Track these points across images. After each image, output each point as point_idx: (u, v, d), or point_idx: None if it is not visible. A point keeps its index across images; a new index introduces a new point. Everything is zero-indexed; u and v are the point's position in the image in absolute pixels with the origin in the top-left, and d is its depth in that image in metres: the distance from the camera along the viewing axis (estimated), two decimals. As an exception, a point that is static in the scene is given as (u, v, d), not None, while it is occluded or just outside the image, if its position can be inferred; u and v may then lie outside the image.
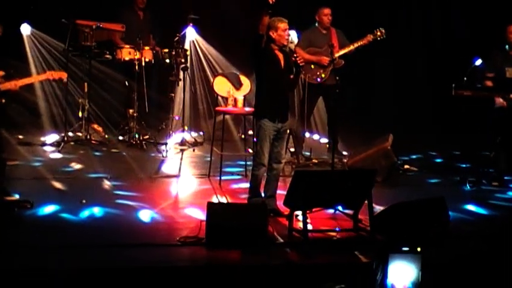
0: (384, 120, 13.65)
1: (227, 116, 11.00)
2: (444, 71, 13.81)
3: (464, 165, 11.42)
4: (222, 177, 10.04)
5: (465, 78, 9.95)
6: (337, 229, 7.96)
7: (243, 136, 11.36)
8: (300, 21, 11.14)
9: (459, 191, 9.98)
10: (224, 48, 13.42)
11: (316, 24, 11.35)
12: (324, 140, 12.55)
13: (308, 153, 11.34)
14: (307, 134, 11.71)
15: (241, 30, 13.52)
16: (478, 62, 10.15)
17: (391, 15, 14.69)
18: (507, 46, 10.30)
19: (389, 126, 11.77)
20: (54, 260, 6.86)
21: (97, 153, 11.54)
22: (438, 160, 12.23)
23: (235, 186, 9.92)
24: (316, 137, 13.00)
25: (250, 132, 10.60)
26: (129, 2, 12.75)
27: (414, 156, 11.99)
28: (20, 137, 12.27)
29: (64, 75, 10.56)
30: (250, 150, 10.08)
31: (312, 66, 11.04)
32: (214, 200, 9.01)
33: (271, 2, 8.18)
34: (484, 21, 13.72)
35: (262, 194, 8.52)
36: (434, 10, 14.96)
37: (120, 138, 12.33)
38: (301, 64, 8.42)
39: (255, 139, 8.56)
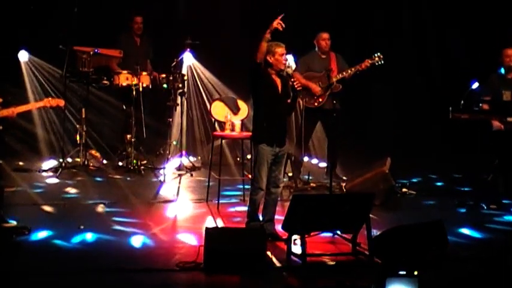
0: (381, 144, 13.66)
1: (225, 141, 11.01)
2: (442, 94, 13.85)
3: (462, 189, 11.40)
4: (220, 202, 10.03)
5: (462, 102, 9.97)
6: (335, 253, 7.94)
7: (240, 160, 11.36)
8: (300, 46, 11.21)
9: (457, 214, 9.97)
10: (221, 73, 13.45)
11: (316, 49, 11.40)
12: (322, 164, 12.56)
13: (306, 177, 11.34)
14: (305, 158, 11.72)
15: (238, 55, 13.57)
16: (475, 85, 10.17)
17: (389, 39, 14.73)
18: (503, 69, 10.34)
19: (387, 150, 11.79)
20: (53, 286, 6.84)
21: (95, 179, 11.53)
22: (436, 183, 12.23)
23: (233, 210, 9.91)
24: (314, 161, 13.01)
25: (248, 156, 10.62)
26: (127, 28, 12.80)
27: (412, 180, 11.98)
28: (19, 163, 12.27)
29: (62, 103, 10.56)
30: (248, 175, 10.08)
31: (310, 91, 11.08)
32: (213, 224, 8.99)
33: (281, 29, 8.23)
34: (481, 44, 13.78)
35: (261, 218, 8.51)
36: (431, 33, 15.00)
37: (118, 163, 12.33)
38: (298, 89, 8.43)
39: (253, 163, 8.57)
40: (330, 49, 11.39)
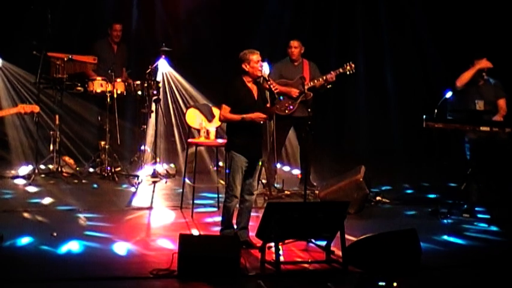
0: (356, 152, 13.71)
1: (200, 148, 11.00)
2: (416, 102, 13.93)
3: (435, 197, 11.45)
4: (195, 209, 10.01)
5: (436, 111, 10.03)
6: (309, 261, 7.96)
7: (215, 168, 11.35)
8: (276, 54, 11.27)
9: (431, 222, 10.00)
10: (196, 80, 13.44)
11: (288, 57, 11.43)
12: (296, 172, 12.57)
13: (280, 185, 11.35)
14: (278, 166, 11.73)
15: (213, 62, 13.60)
16: (449, 94, 10.23)
17: (365, 46, 14.81)
18: (478, 79, 10.39)
19: (362, 158, 11.85)
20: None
21: (68, 186, 11.47)
22: (410, 192, 12.27)
23: (207, 218, 9.90)
24: (287, 168, 13.03)
25: (220, 163, 10.62)
26: (104, 35, 12.77)
27: (386, 188, 12.02)
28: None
29: (36, 109, 10.51)
30: (222, 182, 10.08)
31: (281, 98, 11.10)
32: (187, 232, 8.97)
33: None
34: (456, 53, 13.86)
35: (235, 226, 8.50)
36: (407, 40, 15.07)
37: (92, 170, 12.28)
38: (276, 91, 8.44)
39: (227, 171, 8.56)
40: (302, 57, 11.40)
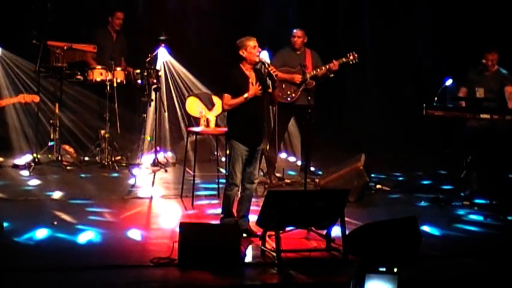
0: (356, 140, 13.70)
1: (200, 136, 11.00)
2: (417, 90, 13.91)
3: (436, 185, 11.46)
4: (195, 198, 10.01)
5: (436, 98, 10.02)
6: (310, 249, 7.96)
7: (215, 157, 11.34)
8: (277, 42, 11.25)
9: (431, 210, 10.01)
10: (196, 69, 13.42)
11: (290, 45, 11.41)
12: (296, 160, 12.57)
13: (280, 174, 11.35)
14: (279, 154, 11.72)
15: (213, 50, 13.57)
16: (449, 82, 10.23)
17: (364, 34, 14.78)
18: (483, 68, 10.39)
19: (362, 146, 11.84)
20: (28, 283, 6.81)
21: (68, 175, 11.45)
22: (411, 180, 12.26)
23: (207, 206, 9.89)
24: (288, 157, 13.03)
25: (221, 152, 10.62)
26: (103, 23, 12.74)
27: (386, 176, 12.02)
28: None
29: (36, 99, 10.54)
30: (223, 170, 10.07)
31: (283, 86, 11.09)
32: (187, 220, 8.97)
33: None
34: (455, 42, 13.84)
35: (235, 214, 8.50)
36: (408, 28, 15.02)
37: (92, 159, 12.27)
38: (275, 74, 8.42)
39: (223, 158, 8.55)
40: (304, 46, 11.39)
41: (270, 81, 8.46)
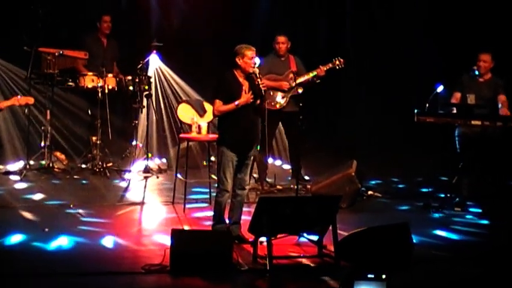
0: (348, 146, 13.70)
1: (191, 143, 10.99)
2: (408, 96, 13.90)
3: (427, 191, 11.47)
4: (186, 204, 10.00)
5: (427, 105, 10.04)
6: (301, 255, 7.96)
7: (206, 163, 11.34)
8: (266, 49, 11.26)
9: (423, 216, 10.03)
10: (188, 75, 13.42)
11: (274, 52, 11.39)
12: (287, 166, 12.58)
13: (271, 180, 11.35)
14: (270, 160, 11.72)
15: (204, 57, 13.57)
16: (440, 88, 10.25)
17: (357, 38, 14.80)
18: (476, 72, 10.40)
19: (354, 152, 11.85)
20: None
21: (60, 181, 11.44)
22: (402, 185, 12.29)
23: (199, 213, 9.89)
24: (278, 163, 13.04)
25: (213, 158, 10.61)
26: (94, 29, 12.73)
27: (378, 182, 12.04)
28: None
29: (31, 101, 10.51)
30: (214, 177, 10.07)
31: (272, 93, 11.08)
32: (179, 227, 8.96)
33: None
34: (450, 47, 13.85)
35: (227, 221, 8.50)
36: (401, 32, 15.03)
37: (84, 165, 12.26)
38: (264, 89, 8.43)
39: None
40: (288, 52, 11.38)
41: (258, 94, 8.44)
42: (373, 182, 11.88)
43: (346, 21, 15.20)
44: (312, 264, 7.78)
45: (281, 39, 11.32)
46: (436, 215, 10.06)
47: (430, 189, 10.99)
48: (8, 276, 7.09)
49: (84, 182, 11.51)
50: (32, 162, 11.95)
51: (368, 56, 14.76)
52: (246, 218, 8.50)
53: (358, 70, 14.26)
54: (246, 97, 8.28)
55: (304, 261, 7.85)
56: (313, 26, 15.06)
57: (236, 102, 8.25)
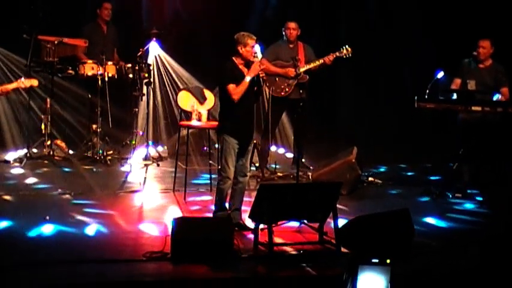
0: (348, 133, 13.69)
1: (191, 130, 10.99)
2: (409, 83, 13.90)
3: (428, 177, 11.48)
4: (187, 192, 10.00)
5: (427, 91, 10.03)
6: (302, 242, 7.96)
7: (207, 150, 11.34)
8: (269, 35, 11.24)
9: (423, 203, 10.03)
10: (188, 63, 13.40)
11: (284, 38, 11.38)
12: (289, 154, 12.58)
13: (273, 167, 11.35)
14: (273, 148, 11.72)
15: (204, 45, 13.55)
16: (440, 74, 10.24)
17: (358, 26, 14.76)
18: (476, 59, 10.39)
19: (354, 139, 11.84)
20: (21, 277, 6.80)
21: (60, 170, 11.43)
22: (402, 172, 12.29)
23: (200, 200, 9.89)
24: (281, 150, 13.03)
25: (217, 145, 10.60)
26: (93, 17, 12.70)
27: (379, 169, 12.04)
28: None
29: (35, 83, 10.42)
30: (215, 164, 10.07)
31: (277, 80, 11.08)
32: (180, 214, 8.97)
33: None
34: (448, 34, 13.81)
35: (228, 208, 8.50)
36: (399, 21, 15.00)
37: (84, 154, 12.24)
38: (262, 77, 8.41)
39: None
40: (297, 39, 11.38)
41: (256, 87, 8.44)
42: (374, 169, 11.87)
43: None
44: (313, 251, 7.77)
45: (291, 25, 11.31)
46: (437, 202, 10.03)
47: (429, 176, 10.99)
48: (8, 265, 7.08)
49: (84, 170, 11.48)
50: (32, 151, 11.93)
51: (366, 45, 14.74)
52: (246, 205, 8.50)
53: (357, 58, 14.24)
54: (255, 68, 8.26)
55: (305, 247, 7.84)
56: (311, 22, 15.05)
57: (247, 78, 8.23)
